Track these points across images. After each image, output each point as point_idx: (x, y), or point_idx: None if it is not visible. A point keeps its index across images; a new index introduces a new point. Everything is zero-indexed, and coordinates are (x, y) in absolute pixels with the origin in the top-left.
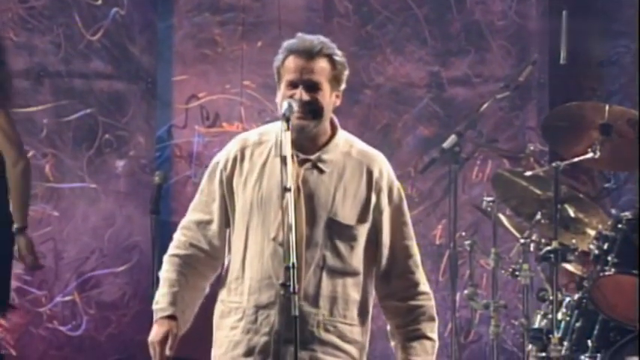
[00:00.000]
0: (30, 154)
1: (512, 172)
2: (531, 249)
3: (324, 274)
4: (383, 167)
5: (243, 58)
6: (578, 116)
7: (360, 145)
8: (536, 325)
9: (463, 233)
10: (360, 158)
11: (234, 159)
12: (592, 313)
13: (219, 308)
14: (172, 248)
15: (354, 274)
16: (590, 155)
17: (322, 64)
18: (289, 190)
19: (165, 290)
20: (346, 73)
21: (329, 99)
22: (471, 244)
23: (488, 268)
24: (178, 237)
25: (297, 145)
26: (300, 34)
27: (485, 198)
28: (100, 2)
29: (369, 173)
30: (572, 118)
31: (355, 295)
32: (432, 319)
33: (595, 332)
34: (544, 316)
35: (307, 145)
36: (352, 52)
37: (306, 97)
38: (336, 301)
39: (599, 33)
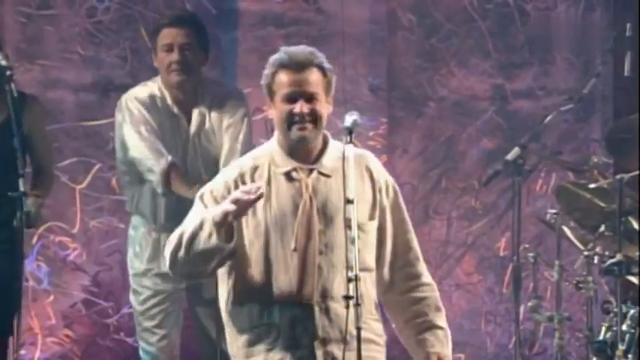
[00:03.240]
0: (96, 167)
1: (577, 185)
2: (595, 261)
3: (350, 276)
4: (377, 165)
5: None
6: None
7: (349, 148)
8: (600, 338)
9: (527, 245)
10: (355, 160)
11: (235, 187)
12: None
13: (242, 338)
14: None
15: (370, 270)
16: None
17: (314, 73)
18: (352, 202)
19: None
20: (335, 79)
21: (325, 108)
22: (534, 257)
23: (552, 281)
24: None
25: (295, 157)
26: (285, 48)
27: (549, 210)
28: None
29: (369, 171)
30: (636, 130)
31: (374, 291)
32: (438, 309)
33: None
34: (608, 328)
35: (305, 156)
36: (416, 64)
37: (304, 108)
38: (362, 300)
39: None
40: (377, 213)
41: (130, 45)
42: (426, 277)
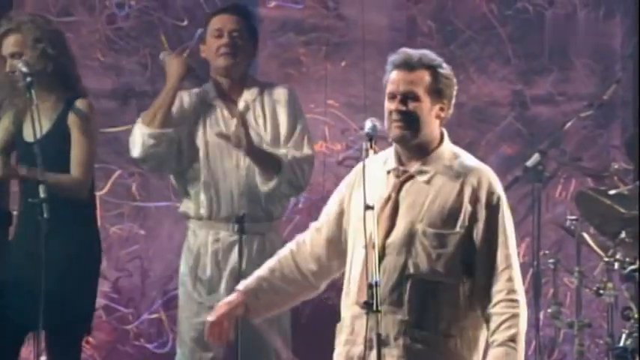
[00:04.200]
0: (117, 173)
1: (596, 191)
2: (615, 267)
3: (410, 282)
4: (483, 178)
5: (327, 77)
6: None
7: (465, 158)
8: (620, 344)
9: (547, 252)
10: (460, 170)
11: (353, 181)
12: None
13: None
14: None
15: (446, 283)
16: None
17: (421, 75)
18: (372, 208)
19: (255, 273)
20: (452, 86)
21: (428, 110)
22: (554, 263)
23: (572, 287)
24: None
25: (403, 158)
26: (403, 49)
27: (568, 216)
28: (185, 23)
29: (466, 184)
30: None
31: (448, 305)
32: (509, 327)
33: None
34: (629, 335)
35: (409, 155)
36: None
37: (400, 107)
38: (424, 310)
39: None
40: (463, 224)
41: (150, 52)
42: (508, 293)
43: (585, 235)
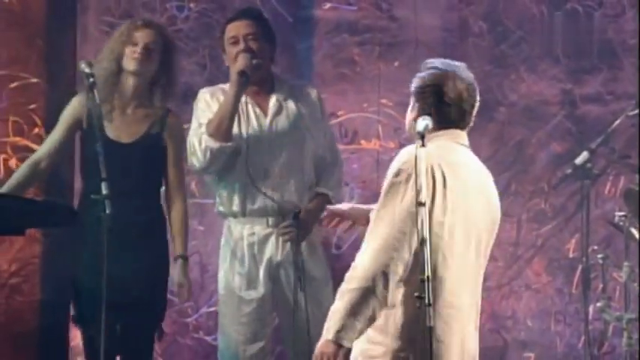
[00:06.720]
0: None
1: None
2: None
3: None
4: (396, 158)
5: (381, 77)
6: None
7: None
8: None
9: (596, 247)
10: None
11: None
12: None
13: None
14: None
15: None
16: None
17: None
18: (423, 204)
19: None
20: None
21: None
22: (603, 258)
23: (621, 281)
24: None
25: None
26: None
27: (617, 213)
28: None
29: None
30: None
31: None
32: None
33: None
34: None
35: None
36: (487, 70)
37: None
38: None
39: None
40: None
41: (209, 52)
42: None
43: (634, 231)
